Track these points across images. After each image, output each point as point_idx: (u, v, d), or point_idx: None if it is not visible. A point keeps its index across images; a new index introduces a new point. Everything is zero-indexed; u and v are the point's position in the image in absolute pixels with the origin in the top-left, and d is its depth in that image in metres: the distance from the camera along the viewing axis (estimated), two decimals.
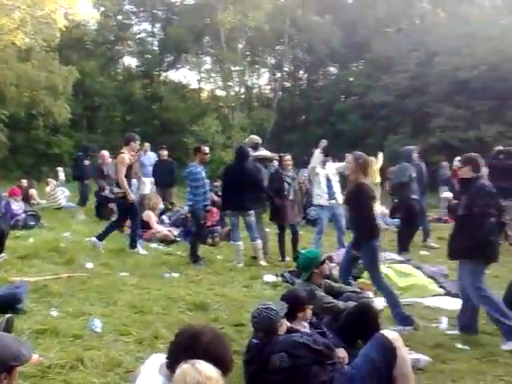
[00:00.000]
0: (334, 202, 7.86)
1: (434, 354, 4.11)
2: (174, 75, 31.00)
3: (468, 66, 20.86)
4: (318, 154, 7.87)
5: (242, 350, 3.60)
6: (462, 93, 21.31)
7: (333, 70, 30.83)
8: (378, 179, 14.72)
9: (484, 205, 4.44)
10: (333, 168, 8.09)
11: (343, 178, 7.75)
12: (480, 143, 18.63)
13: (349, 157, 5.46)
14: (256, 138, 8.54)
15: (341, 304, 4.23)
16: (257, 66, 30.12)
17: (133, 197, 7.85)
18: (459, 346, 4.36)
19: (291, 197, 7.87)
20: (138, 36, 30.12)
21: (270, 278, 6.51)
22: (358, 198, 5.15)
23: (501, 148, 10.02)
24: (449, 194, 11.87)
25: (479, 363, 4.01)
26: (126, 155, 7.71)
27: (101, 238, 7.80)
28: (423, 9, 27.21)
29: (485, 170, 10.66)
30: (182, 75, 32.43)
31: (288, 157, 8.25)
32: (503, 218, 9.38)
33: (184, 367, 2.01)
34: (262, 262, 7.51)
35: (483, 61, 20.59)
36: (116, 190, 7.93)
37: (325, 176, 8.02)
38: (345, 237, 7.83)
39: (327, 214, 8.05)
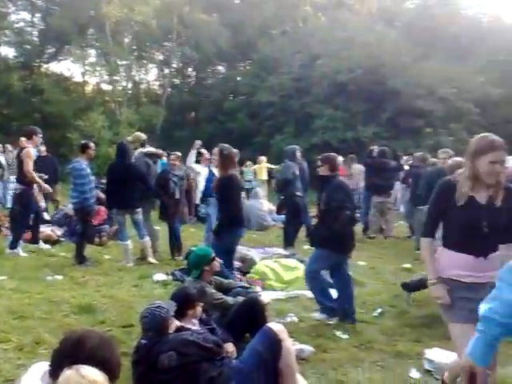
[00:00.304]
0: None
1: (317, 343, 4.33)
2: (56, 67, 29.51)
3: (346, 69, 22.07)
4: (192, 154, 7.99)
5: (131, 352, 3.55)
6: (340, 95, 22.56)
7: (221, 68, 31.14)
8: (265, 177, 15.24)
9: (340, 200, 4.85)
10: None
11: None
12: (357, 143, 19.93)
13: (215, 149, 5.70)
14: (142, 136, 8.44)
15: (230, 300, 4.32)
16: (144, 62, 29.59)
17: (48, 187, 7.97)
18: (339, 335, 4.62)
19: (177, 196, 7.87)
20: (16, 25, 28.11)
21: (160, 276, 6.47)
22: (226, 188, 5.44)
23: (375, 148, 10.79)
24: None
25: (357, 351, 4.29)
26: (31, 149, 7.44)
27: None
28: (306, 12, 28.22)
29: (361, 168, 11.50)
30: (65, 67, 30.95)
31: (174, 156, 8.24)
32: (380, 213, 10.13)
33: (67, 373, 1.96)
34: (152, 260, 7.45)
35: (360, 65, 21.92)
36: (16, 185, 7.58)
37: (205, 174, 8.16)
38: None
39: (215, 211, 8.16)
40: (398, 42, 23.16)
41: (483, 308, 1.60)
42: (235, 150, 8.79)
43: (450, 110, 21.36)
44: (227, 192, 5.49)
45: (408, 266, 7.51)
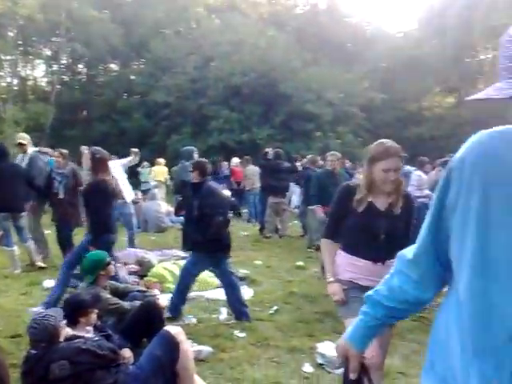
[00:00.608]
0: (120, 200, 7.75)
1: (215, 343, 4.37)
2: None
3: (239, 72, 22.34)
4: (86, 157, 7.75)
5: (20, 363, 3.37)
6: (235, 97, 22.81)
7: (114, 66, 30.15)
8: (163, 179, 15.06)
9: (212, 205, 4.94)
10: (117, 165, 8.03)
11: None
12: (253, 144, 20.32)
13: (86, 153, 5.57)
14: (27, 136, 8.06)
15: (126, 304, 4.23)
16: (31, 57, 27.87)
17: None
18: (237, 333, 4.69)
19: (61, 195, 7.52)
20: None
21: (50, 283, 6.13)
22: (93, 193, 5.32)
23: (270, 150, 11.07)
24: (228, 192, 12.66)
25: (254, 348, 4.38)
26: None
27: None
28: (199, 14, 28.11)
29: (256, 170, 11.70)
30: None
31: (57, 153, 7.89)
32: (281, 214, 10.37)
33: None
34: (40, 264, 7.13)
35: (252, 68, 22.29)
36: None
37: None
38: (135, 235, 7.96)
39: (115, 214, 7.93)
40: (288, 47, 23.78)
41: (371, 291, 1.66)
42: (135, 150, 8.65)
43: (337, 114, 22.42)
44: (94, 197, 5.29)
45: (301, 263, 7.81)
